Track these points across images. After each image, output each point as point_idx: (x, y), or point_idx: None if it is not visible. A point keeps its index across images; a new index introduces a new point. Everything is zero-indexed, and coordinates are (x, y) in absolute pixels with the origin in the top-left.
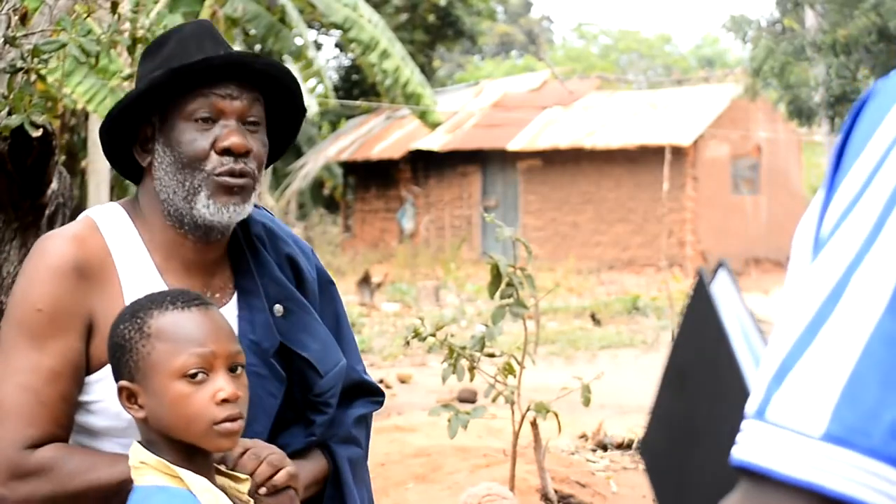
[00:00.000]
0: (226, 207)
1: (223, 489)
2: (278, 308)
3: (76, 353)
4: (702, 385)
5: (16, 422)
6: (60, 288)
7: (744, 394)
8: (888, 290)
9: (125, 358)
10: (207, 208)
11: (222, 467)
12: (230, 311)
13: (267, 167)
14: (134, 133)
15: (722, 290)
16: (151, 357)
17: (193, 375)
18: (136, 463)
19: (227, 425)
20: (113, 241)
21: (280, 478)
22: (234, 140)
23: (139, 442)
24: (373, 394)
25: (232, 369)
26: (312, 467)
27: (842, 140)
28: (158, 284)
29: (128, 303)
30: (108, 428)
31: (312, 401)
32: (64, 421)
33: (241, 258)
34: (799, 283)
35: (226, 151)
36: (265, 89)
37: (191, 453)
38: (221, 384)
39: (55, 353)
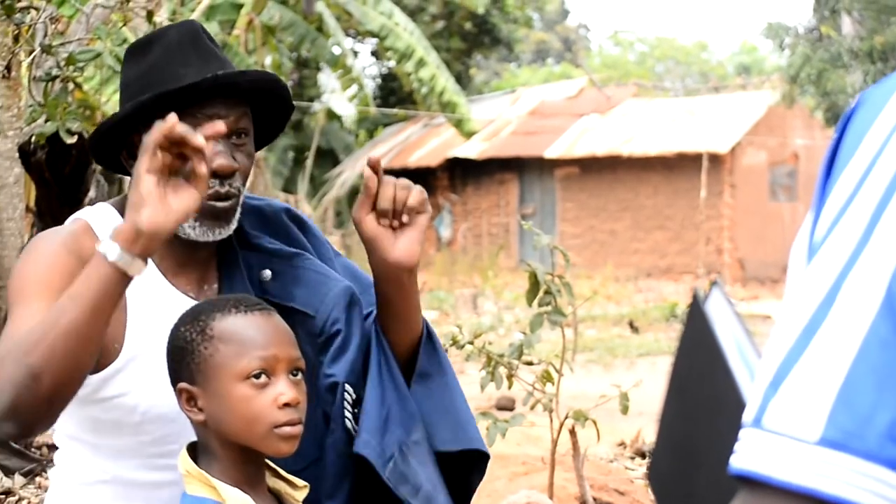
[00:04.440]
0: (211, 231)
1: (277, 492)
2: (266, 273)
3: None
4: (701, 404)
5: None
6: (53, 263)
7: (741, 410)
8: (880, 294)
9: (186, 360)
10: (194, 230)
11: (280, 470)
12: None
13: (257, 149)
14: (122, 140)
15: (716, 309)
16: (214, 359)
17: (257, 377)
18: (183, 471)
19: (288, 429)
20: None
21: (416, 195)
22: (220, 162)
23: (187, 449)
24: None
25: (292, 374)
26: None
27: (832, 148)
28: (155, 277)
29: (128, 296)
30: (120, 423)
31: (317, 343)
32: None
33: (227, 243)
34: (794, 290)
35: (212, 173)
36: (253, 96)
37: (246, 457)
38: (283, 388)
39: (46, 301)
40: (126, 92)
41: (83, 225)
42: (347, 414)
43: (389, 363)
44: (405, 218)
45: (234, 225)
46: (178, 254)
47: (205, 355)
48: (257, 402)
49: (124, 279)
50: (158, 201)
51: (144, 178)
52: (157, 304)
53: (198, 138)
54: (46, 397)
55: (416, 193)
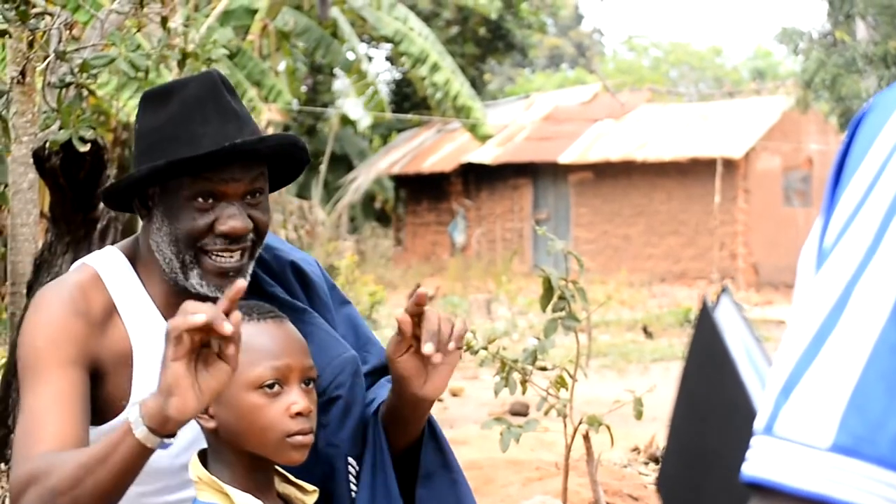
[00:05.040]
0: (220, 288)
1: (286, 498)
2: None
3: (80, 381)
4: (711, 411)
5: (21, 446)
6: (59, 327)
7: (752, 417)
8: (890, 300)
9: None
10: (201, 286)
11: (290, 476)
12: None
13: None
14: (134, 191)
15: (726, 316)
16: None
17: (270, 387)
18: (195, 477)
19: (299, 438)
20: (115, 290)
21: (459, 328)
22: (233, 224)
23: (198, 455)
24: None
25: (304, 383)
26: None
27: (841, 154)
28: (163, 330)
29: (136, 350)
30: None
31: (318, 403)
32: (71, 434)
33: None
34: (804, 297)
35: (223, 235)
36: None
37: (257, 464)
38: (296, 398)
39: (56, 380)
40: (142, 143)
41: (91, 274)
42: (353, 488)
43: (385, 468)
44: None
45: (245, 280)
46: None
47: None
48: (269, 411)
49: (151, 451)
50: (188, 389)
51: (171, 366)
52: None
53: (225, 326)
54: None
55: (459, 325)
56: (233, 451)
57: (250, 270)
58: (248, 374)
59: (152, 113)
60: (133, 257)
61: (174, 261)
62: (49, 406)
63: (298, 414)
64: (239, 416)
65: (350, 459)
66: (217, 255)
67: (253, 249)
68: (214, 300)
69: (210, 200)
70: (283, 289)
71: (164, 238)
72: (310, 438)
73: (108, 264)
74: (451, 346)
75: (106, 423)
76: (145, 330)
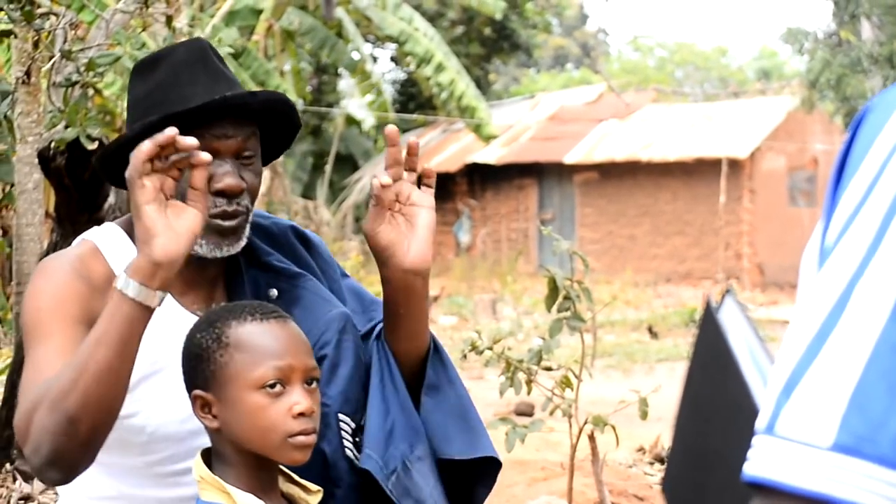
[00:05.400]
0: (218, 248)
1: (290, 497)
2: (272, 292)
3: (83, 335)
4: (715, 413)
5: (25, 393)
6: (63, 290)
7: (755, 417)
8: (891, 298)
9: (201, 367)
10: (201, 247)
11: (294, 475)
12: None
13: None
14: (128, 159)
15: (730, 317)
16: (229, 367)
17: (272, 387)
18: (197, 477)
19: (302, 438)
20: (114, 261)
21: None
22: (228, 182)
23: (201, 455)
24: None
25: (307, 383)
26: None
27: (843, 154)
28: (165, 300)
29: None
30: (127, 443)
31: None
32: None
33: (234, 261)
34: (805, 296)
35: (219, 192)
36: (262, 115)
37: (260, 464)
38: (298, 398)
39: (59, 334)
40: (133, 111)
41: (90, 247)
42: (348, 444)
43: (394, 378)
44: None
45: (242, 241)
46: (185, 272)
47: (220, 363)
48: (272, 411)
49: (147, 313)
50: (167, 228)
51: (144, 209)
52: (165, 324)
53: (188, 140)
54: (86, 441)
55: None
56: (236, 451)
57: (247, 232)
58: (250, 374)
59: (141, 82)
60: (131, 231)
61: None
62: (53, 358)
63: (301, 414)
64: (241, 416)
65: (342, 416)
66: (215, 218)
67: (247, 213)
68: (213, 261)
69: None
70: (286, 252)
71: None
72: (312, 439)
73: (107, 238)
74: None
75: None
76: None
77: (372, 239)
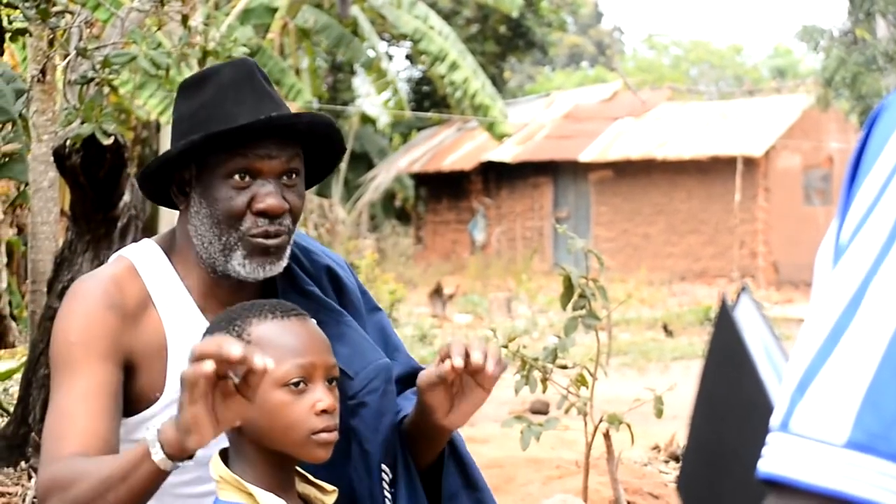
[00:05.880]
0: (262, 267)
1: (306, 497)
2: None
3: (112, 377)
4: (731, 411)
5: (49, 443)
6: (93, 321)
7: (771, 415)
8: None
9: None
10: (243, 267)
11: (309, 476)
12: None
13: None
14: (171, 175)
15: (745, 315)
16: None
17: (295, 385)
18: (216, 476)
19: (325, 435)
20: (151, 281)
21: (494, 352)
22: (270, 202)
23: (219, 454)
24: None
25: (328, 381)
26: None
27: (857, 152)
28: (199, 322)
29: (171, 341)
30: None
31: (349, 406)
32: (99, 432)
33: (272, 284)
34: (820, 293)
35: (262, 213)
36: (306, 137)
37: (280, 462)
38: (321, 395)
39: (87, 375)
40: (178, 128)
41: (127, 267)
42: (388, 496)
43: (415, 486)
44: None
45: (283, 262)
46: (222, 294)
47: None
48: (295, 408)
49: (168, 472)
50: (206, 426)
51: (189, 409)
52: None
53: (258, 360)
54: None
55: (496, 365)
56: (256, 450)
57: (288, 253)
58: (274, 371)
59: (187, 101)
60: (169, 249)
61: (215, 243)
62: (78, 403)
63: (324, 411)
64: (264, 413)
65: (383, 466)
66: (258, 238)
67: (290, 233)
68: (252, 288)
69: (247, 178)
70: (319, 288)
71: (204, 221)
72: (335, 436)
73: (144, 256)
74: (490, 366)
75: (138, 414)
76: (181, 321)
77: (422, 393)
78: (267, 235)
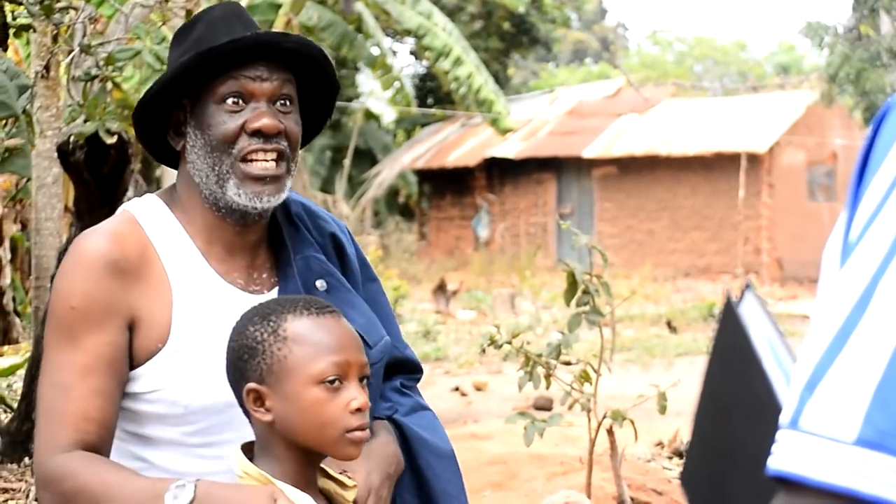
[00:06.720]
0: (258, 197)
1: (327, 493)
2: (321, 283)
3: (112, 348)
4: (735, 407)
5: (46, 422)
6: (94, 285)
7: (776, 412)
8: None
9: (256, 360)
10: (239, 196)
11: (330, 470)
12: (276, 293)
13: (302, 146)
14: (167, 118)
15: (750, 311)
16: (288, 361)
17: (331, 382)
18: (241, 472)
19: (359, 434)
20: (153, 232)
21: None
22: (264, 121)
23: (241, 449)
24: (413, 371)
25: (360, 379)
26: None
27: (865, 150)
28: (203, 269)
29: (175, 290)
30: (163, 415)
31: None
32: (96, 415)
33: (281, 238)
34: (829, 292)
35: (256, 133)
36: (297, 68)
37: (308, 459)
38: (355, 393)
39: (87, 348)
40: (170, 68)
41: (128, 219)
42: None
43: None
44: None
45: (284, 194)
46: (225, 238)
47: (278, 356)
48: (330, 406)
49: None
50: None
51: None
52: (203, 296)
53: None
54: None
55: None
56: (285, 446)
57: (288, 185)
58: (310, 368)
59: (180, 43)
60: (170, 200)
61: (210, 175)
62: (76, 380)
63: (358, 409)
64: (299, 410)
65: None
66: (252, 160)
67: (287, 159)
68: (254, 226)
69: (240, 101)
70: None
71: (200, 153)
72: (367, 434)
73: (147, 209)
74: None
75: (141, 366)
76: (185, 269)
77: None
78: (262, 152)
